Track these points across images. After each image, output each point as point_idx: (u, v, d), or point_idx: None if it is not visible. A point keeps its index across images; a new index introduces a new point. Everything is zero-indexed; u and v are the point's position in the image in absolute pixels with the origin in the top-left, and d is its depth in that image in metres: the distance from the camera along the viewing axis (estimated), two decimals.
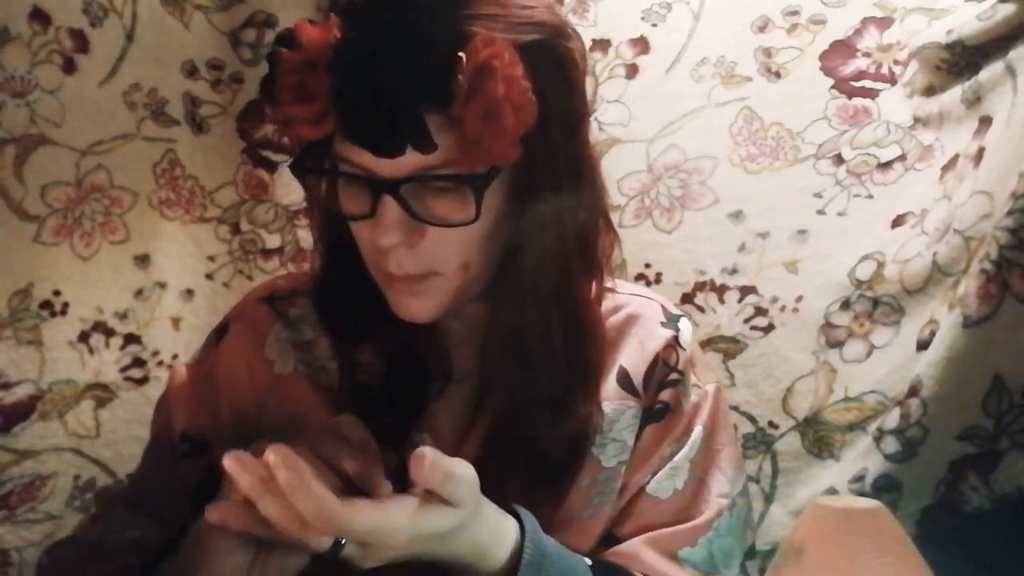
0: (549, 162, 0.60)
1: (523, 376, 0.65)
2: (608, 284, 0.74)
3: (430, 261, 0.60)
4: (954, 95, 0.86)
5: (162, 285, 0.98)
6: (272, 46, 0.59)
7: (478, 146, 0.55)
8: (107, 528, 0.69)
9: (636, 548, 0.65)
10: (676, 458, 0.68)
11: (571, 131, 0.63)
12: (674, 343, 0.70)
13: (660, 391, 0.69)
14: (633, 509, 0.67)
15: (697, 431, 0.69)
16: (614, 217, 0.95)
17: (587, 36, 0.98)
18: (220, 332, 0.73)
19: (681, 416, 0.69)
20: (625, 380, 0.68)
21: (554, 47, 0.60)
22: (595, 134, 0.98)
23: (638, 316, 0.71)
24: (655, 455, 0.68)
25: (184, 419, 0.70)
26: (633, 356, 0.69)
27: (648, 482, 0.67)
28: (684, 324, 0.72)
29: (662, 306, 0.73)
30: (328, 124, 0.57)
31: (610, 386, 0.68)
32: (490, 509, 0.57)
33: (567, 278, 0.64)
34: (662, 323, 0.71)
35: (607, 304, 0.72)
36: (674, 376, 0.69)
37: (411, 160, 0.56)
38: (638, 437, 0.68)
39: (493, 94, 0.53)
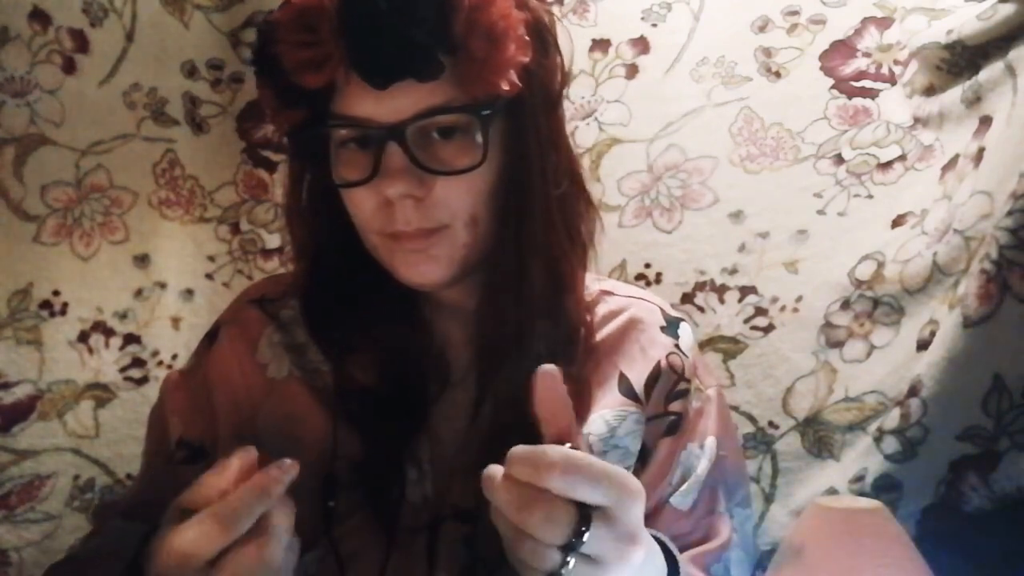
0: (533, 123, 0.62)
1: (516, 350, 0.64)
2: (606, 286, 0.74)
3: (439, 214, 0.60)
4: (954, 95, 0.86)
5: (162, 285, 0.98)
6: (264, 23, 0.60)
7: (480, 70, 0.57)
8: (104, 541, 0.68)
9: (685, 566, 0.64)
10: (699, 470, 0.68)
11: (549, 95, 0.65)
12: (676, 350, 0.70)
13: (670, 402, 0.69)
14: (655, 522, 0.67)
15: (711, 441, 0.69)
16: (614, 217, 0.97)
17: (587, 36, 0.98)
18: (211, 337, 0.73)
19: (688, 422, 0.69)
20: (627, 388, 0.68)
21: (529, 6, 0.62)
22: (595, 134, 0.98)
23: (638, 321, 0.71)
24: (671, 468, 0.68)
25: (180, 427, 0.70)
26: (634, 363, 0.69)
27: (671, 494, 0.67)
28: (684, 329, 0.72)
29: (661, 310, 0.73)
30: (330, 68, 0.57)
31: (612, 394, 0.67)
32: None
33: (555, 242, 0.65)
34: (662, 328, 0.71)
35: (606, 308, 0.71)
36: (683, 386, 0.69)
37: (412, 102, 0.57)
38: (652, 451, 0.68)
39: (493, 18, 0.56)
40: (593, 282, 0.73)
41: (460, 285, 0.66)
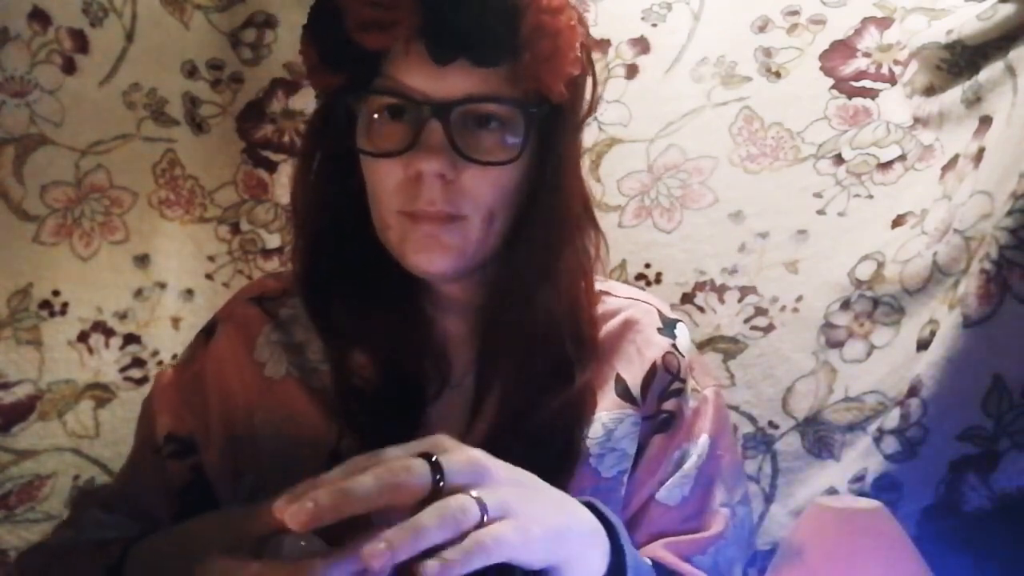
0: (564, 140, 0.64)
1: (522, 352, 0.65)
2: (603, 286, 0.74)
3: (461, 201, 0.61)
4: (954, 95, 0.86)
5: (162, 285, 0.98)
6: None
7: (537, 70, 0.59)
8: (81, 530, 0.68)
9: (655, 550, 0.65)
10: (686, 466, 0.67)
11: (576, 119, 0.67)
12: (673, 350, 0.70)
13: (663, 401, 0.69)
14: (643, 518, 0.67)
15: (703, 439, 0.68)
16: (614, 217, 0.97)
17: None
18: (208, 332, 0.72)
19: (683, 421, 0.69)
20: (623, 390, 0.68)
21: (585, 30, 0.65)
22: (595, 134, 0.98)
23: (635, 322, 0.71)
24: (662, 465, 0.68)
25: (169, 421, 0.69)
26: (630, 364, 0.69)
27: (658, 490, 0.67)
28: (681, 329, 0.72)
29: (658, 311, 0.73)
30: (396, 33, 0.58)
31: (608, 396, 0.67)
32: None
33: (567, 253, 0.66)
34: (659, 329, 0.71)
35: (603, 308, 0.71)
36: (676, 385, 0.69)
37: (464, 85, 0.59)
38: (644, 448, 0.68)
39: (560, 25, 0.59)
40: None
41: (465, 281, 0.66)
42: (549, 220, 0.64)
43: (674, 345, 0.70)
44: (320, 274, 0.68)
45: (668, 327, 0.72)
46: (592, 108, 0.68)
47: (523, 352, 0.65)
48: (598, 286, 0.73)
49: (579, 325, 0.67)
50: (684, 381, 0.70)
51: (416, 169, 0.59)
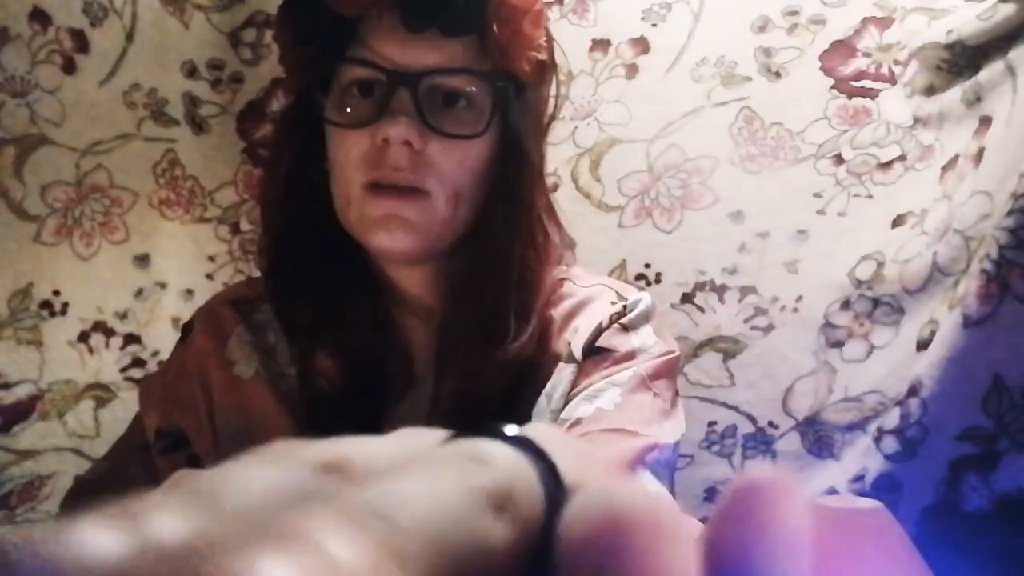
0: (522, 142, 0.64)
1: (477, 351, 0.63)
2: (567, 274, 0.72)
3: (426, 174, 0.60)
4: (954, 95, 0.86)
5: (162, 285, 0.98)
6: None
7: (506, 45, 0.60)
8: None
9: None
10: (601, 383, 0.62)
11: (540, 120, 0.68)
12: (621, 310, 0.67)
13: (597, 338, 0.65)
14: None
15: (632, 371, 0.63)
16: (614, 217, 0.97)
17: (587, 36, 0.98)
18: (186, 330, 0.73)
19: (617, 353, 0.64)
20: (568, 354, 0.65)
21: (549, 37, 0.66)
22: (595, 134, 0.98)
23: (589, 300, 0.69)
24: (586, 383, 0.63)
25: (157, 417, 0.69)
26: (580, 332, 0.66)
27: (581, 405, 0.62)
28: (635, 296, 0.69)
29: (616, 291, 0.70)
30: (368, 0, 0.59)
31: (560, 371, 0.65)
32: None
33: (529, 247, 0.65)
34: (612, 302, 0.68)
35: (561, 300, 0.70)
36: (615, 328, 0.66)
37: (434, 56, 0.60)
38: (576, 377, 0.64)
39: (525, 4, 0.61)
40: (557, 272, 0.71)
41: (426, 278, 0.66)
42: (509, 221, 0.63)
43: (624, 306, 0.67)
44: (287, 275, 0.68)
45: (621, 300, 0.68)
46: (554, 115, 0.69)
47: (477, 351, 0.64)
48: (566, 284, 0.71)
49: (529, 324, 0.65)
50: (625, 327, 0.66)
51: (384, 135, 0.59)
